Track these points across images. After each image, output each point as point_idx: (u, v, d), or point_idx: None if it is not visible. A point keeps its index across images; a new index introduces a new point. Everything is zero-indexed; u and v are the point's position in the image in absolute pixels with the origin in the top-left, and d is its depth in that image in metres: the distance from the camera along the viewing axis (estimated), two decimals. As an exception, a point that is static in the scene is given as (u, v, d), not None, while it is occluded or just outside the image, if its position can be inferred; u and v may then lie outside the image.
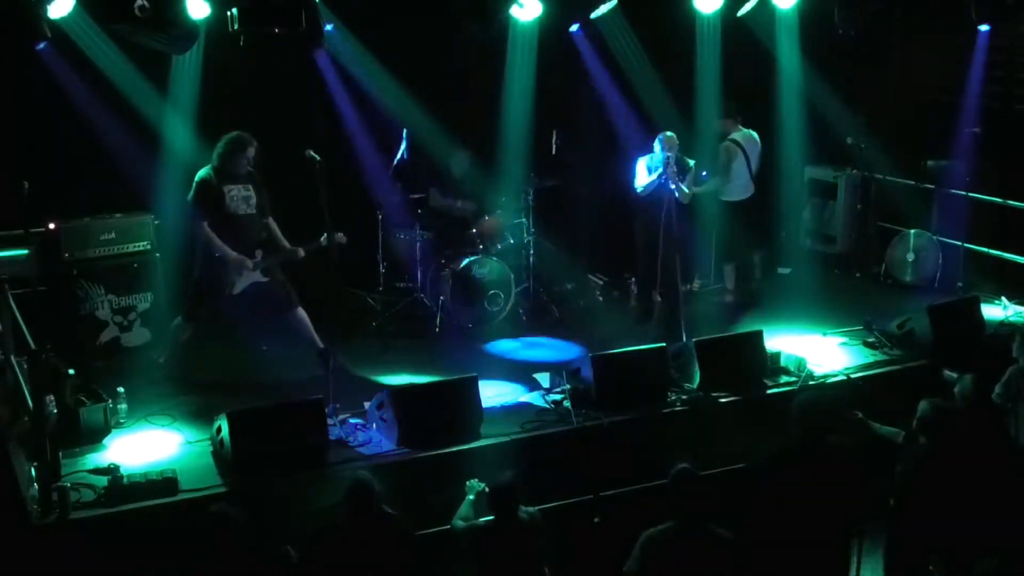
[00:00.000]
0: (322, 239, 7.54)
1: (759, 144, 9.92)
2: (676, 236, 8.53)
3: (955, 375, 6.86)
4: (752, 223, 9.98)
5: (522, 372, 8.05)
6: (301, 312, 7.92)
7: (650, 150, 8.80)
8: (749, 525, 5.46)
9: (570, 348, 8.78)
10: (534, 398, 7.52)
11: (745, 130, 9.89)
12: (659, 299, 8.73)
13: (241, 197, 7.69)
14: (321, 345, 7.78)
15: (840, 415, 6.67)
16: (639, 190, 8.73)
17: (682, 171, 8.66)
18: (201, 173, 7.66)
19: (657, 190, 8.55)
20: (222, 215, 7.62)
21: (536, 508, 5.70)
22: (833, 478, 5.54)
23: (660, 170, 8.50)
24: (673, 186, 8.47)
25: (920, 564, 5.93)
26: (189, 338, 7.90)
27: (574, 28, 9.85)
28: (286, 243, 7.89)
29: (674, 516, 5.22)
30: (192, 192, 7.67)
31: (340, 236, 7.60)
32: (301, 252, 7.82)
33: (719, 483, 6.21)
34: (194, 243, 7.80)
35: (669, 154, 8.50)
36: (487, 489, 5.77)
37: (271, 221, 7.89)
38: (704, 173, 9.69)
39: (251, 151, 7.65)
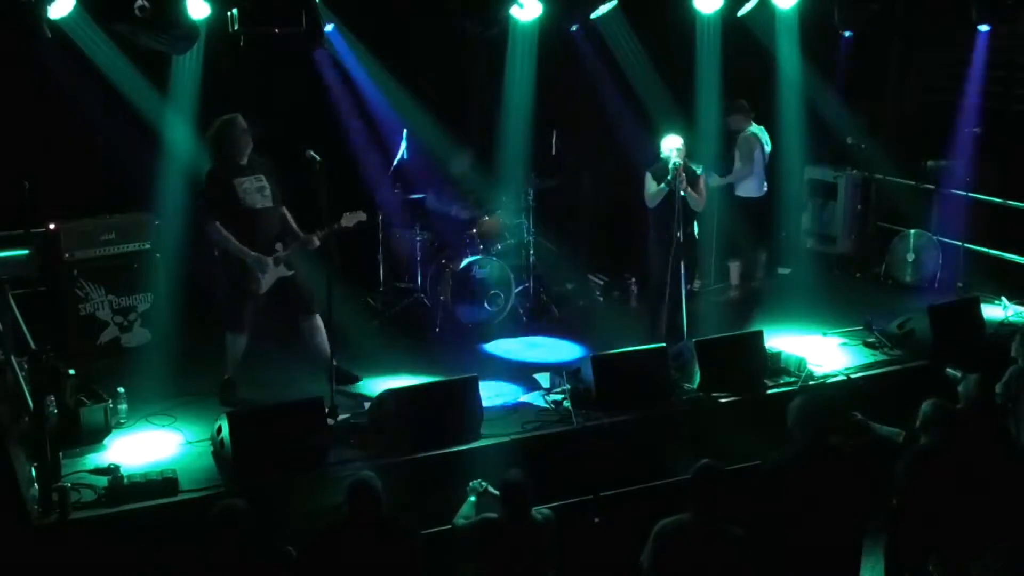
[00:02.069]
0: (341, 220, 7.23)
1: (769, 142, 9.92)
2: (685, 241, 8.26)
3: (958, 374, 6.86)
4: (761, 221, 9.98)
5: (522, 372, 8.04)
6: (318, 320, 7.45)
7: (649, 151, 8.76)
8: (760, 528, 5.45)
9: (570, 348, 8.78)
10: (534, 398, 7.52)
11: (757, 126, 9.87)
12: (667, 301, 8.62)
13: (255, 188, 7.16)
14: (332, 360, 7.29)
15: (840, 415, 6.68)
16: (648, 203, 8.43)
17: (691, 181, 8.32)
18: (206, 169, 7.26)
19: (667, 197, 8.25)
20: (238, 211, 7.09)
21: (550, 510, 5.65)
22: (842, 478, 5.57)
23: (668, 179, 8.23)
24: (683, 194, 8.17)
25: (920, 564, 5.93)
26: (245, 348, 7.37)
27: (574, 28, 9.86)
28: (299, 232, 7.36)
29: (690, 509, 5.21)
30: (200, 190, 7.28)
31: (360, 213, 7.37)
32: (316, 240, 7.28)
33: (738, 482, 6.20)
34: (207, 246, 7.33)
35: (676, 161, 8.16)
36: (489, 488, 5.76)
37: (284, 210, 7.39)
38: (708, 174, 9.65)
39: (241, 130, 7.12)
